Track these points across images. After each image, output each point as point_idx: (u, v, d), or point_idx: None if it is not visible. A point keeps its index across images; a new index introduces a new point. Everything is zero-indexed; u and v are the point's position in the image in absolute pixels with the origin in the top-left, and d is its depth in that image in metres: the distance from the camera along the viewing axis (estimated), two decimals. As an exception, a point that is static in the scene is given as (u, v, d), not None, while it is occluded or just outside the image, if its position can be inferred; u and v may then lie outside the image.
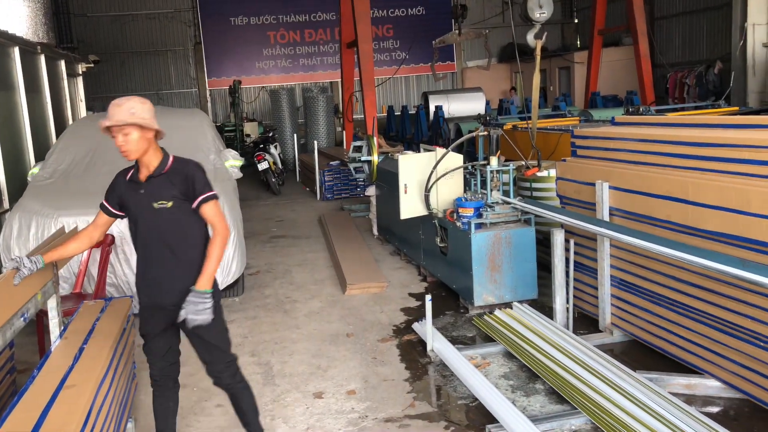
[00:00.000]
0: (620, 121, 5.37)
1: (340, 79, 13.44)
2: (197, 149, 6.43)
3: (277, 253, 7.70)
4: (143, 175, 3.04)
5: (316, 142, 12.12)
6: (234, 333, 5.13)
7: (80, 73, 10.71)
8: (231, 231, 2.92)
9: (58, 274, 4.97)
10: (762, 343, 3.40)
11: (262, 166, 11.73)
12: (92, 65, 11.51)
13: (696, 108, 10.25)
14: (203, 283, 2.98)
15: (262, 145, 12.67)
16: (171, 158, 3.08)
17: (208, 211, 3.03)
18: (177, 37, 20.66)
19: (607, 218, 4.48)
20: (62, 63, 9.52)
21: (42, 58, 8.28)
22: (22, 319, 2.81)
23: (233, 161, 6.55)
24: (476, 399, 3.89)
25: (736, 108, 9.70)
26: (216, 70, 20.82)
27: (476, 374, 4.07)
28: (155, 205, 2.97)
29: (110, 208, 3.14)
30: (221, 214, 3.07)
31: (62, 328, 3.40)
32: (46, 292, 3.18)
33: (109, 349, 3.18)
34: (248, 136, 15.44)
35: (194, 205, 3.00)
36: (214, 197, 3.04)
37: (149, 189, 3.01)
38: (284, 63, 21.21)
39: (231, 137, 16.25)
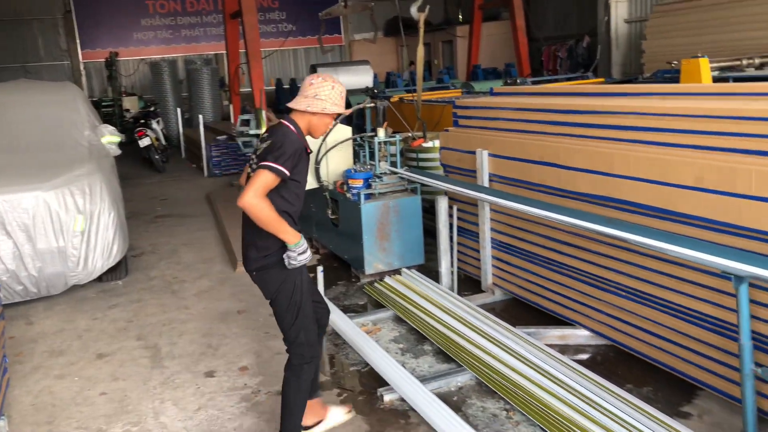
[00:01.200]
0: (498, 91, 5.60)
1: (225, 51, 12.99)
2: (70, 125, 6.05)
3: (162, 233, 7.43)
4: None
5: (201, 116, 11.69)
6: (118, 317, 4.96)
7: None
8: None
9: None
10: (624, 293, 3.72)
11: (144, 142, 11.19)
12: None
13: (567, 79, 10.86)
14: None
15: (143, 121, 12.06)
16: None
17: None
18: (43, 4, 19.04)
19: (487, 184, 4.69)
20: None
21: None
22: None
23: (110, 137, 6.21)
24: (368, 364, 3.99)
25: (602, 79, 10.38)
26: (90, 41, 19.44)
27: (367, 340, 4.17)
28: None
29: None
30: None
31: None
32: None
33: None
34: (128, 111, 14.63)
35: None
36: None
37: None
38: (165, 34, 20.17)
39: (109, 113, 15.35)
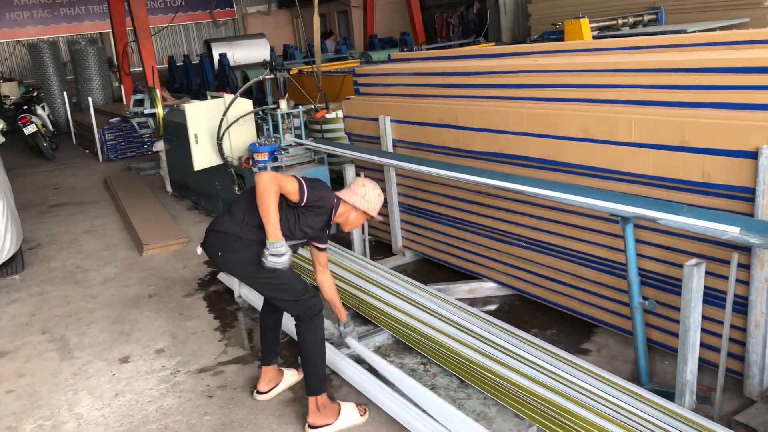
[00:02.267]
0: (396, 57, 5.68)
1: (111, 30, 12.32)
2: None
3: (59, 222, 7.06)
4: None
5: (90, 99, 11.06)
6: (18, 313, 4.73)
7: None
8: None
9: None
10: (525, 245, 3.95)
11: (29, 129, 10.48)
12: None
13: (459, 45, 11.13)
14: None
15: (26, 107, 11.26)
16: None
17: None
18: None
19: (391, 150, 4.79)
20: None
21: None
22: None
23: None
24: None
25: (493, 43, 10.72)
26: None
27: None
28: None
29: None
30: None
31: None
32: None
33: None
34: (7, 97, 13.59)
35: None
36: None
37: None
38: (42, 13, 18.77)
39: (-16, 100, 14.20)
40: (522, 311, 4.06)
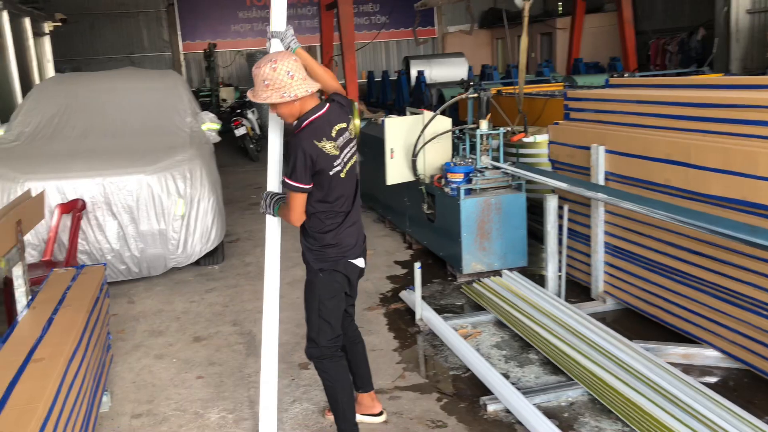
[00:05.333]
0: (615, 83, 5.20)
1: (319, 43, 13.04)
2: (173, 111, 6.13)
3: (257, 220, 7.45)
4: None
5: (294, 107, 11.75)
6: (214, 302, 4.96)
7: (47, 32, 10.15)
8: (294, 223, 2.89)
9: (25, 240, 4.72)
10: (764, 311, 3.30)
11: (240, 131, 11.38)
12: (59, 24, 10.91)
13: (678, 74, 10.12)
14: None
15: (239, 111, 12.28)
16: (306, 121, 2.75)
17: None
18: (148, -2, 19.91)
19: (602, 182, 4.33)
20: (27, 21, 9.00)
21: (4, 14, 7.80)
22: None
23: (210, 124, 6.26)
24: (467, 369, 3.76)
25: (721, 74, 9.59)
26: (190, 33, 20.13)
27: (467, 345, 3.93)
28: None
29: None
30: (291, 204, 2.79)
31: (30, 297, 3.16)
32: (10, 259, 2.93)
33: (81, 319, 2.97)
34: (224, 101, 14.97)
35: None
36: (288, 186, 2.74)
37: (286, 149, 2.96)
38: (261, 26, 20.56)
39: (206, 102, 15.79)
40: (752, 391, 3.40)
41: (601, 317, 4.35)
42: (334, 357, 3.02)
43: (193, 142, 5.70)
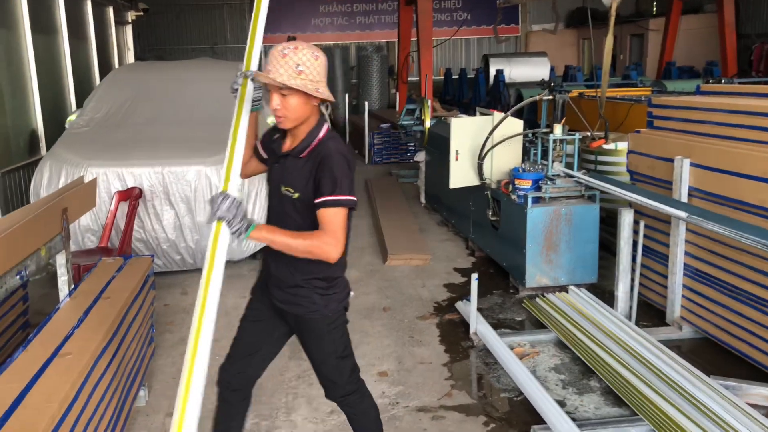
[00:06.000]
0: (707, 89, 4.74)
1: (396, 39, 12.88)
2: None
3: (319, 215, 7.35)
4: (286, 145, 2.34)
5: (367, 103, 11.65)
6: (265, 299, 4.86)
7: (129, 21, 10.48)
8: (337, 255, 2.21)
9: (85, 225, 4.77)
10: None
11: (310, 125, 11.33)
12: (142, 13, 11.26)
13: (784, 83, 9.30)
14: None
15: (311, 105, 12.26)
16: (322, 133, 2.28)
17: (325, 217, 2.18)
18: (233, -10, 20.32)
19: (685, 199, 3.93)
20: (110, 9, 9.29)
21: (88, 3, 8.04)
22: (18, 277, 2.52)
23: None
24: (520, 392, 3.48)
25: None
26: (270, 25, 20.21)
27: (521, 366, 3.64)
28: (282, 188, 2.30)
29: (260, 150, 2.51)
30: (341, 228, 2.18)
31: (73, 286, 3.13)
32: (52, 247, 2.90)
33: (117, 313, 2.89)
34: (300, 94, 15.06)
35: (315, 202, 2.20)
36: (341, 204, 2.17)
37: (284, 165, 2.32)
38: (341, 21, 20.61)
39: (283, 95, 15.94)
40: None
41: (676, 346, 3.95)
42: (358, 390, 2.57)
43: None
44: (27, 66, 6.28)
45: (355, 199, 2.24)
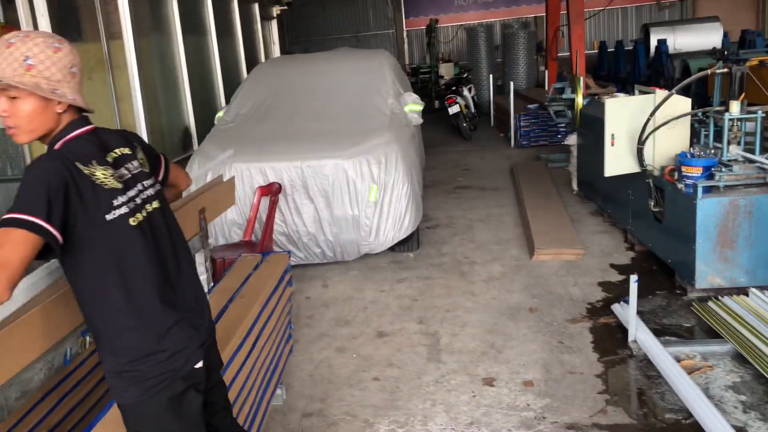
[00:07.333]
0: None
1: (544, 14, 12.15)
2: (375, 93, 6.00)
3: (460, 205, 7.10)
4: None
5: (512, 83, 11.11)
6: (403, 294, 4.73)
7: (274, 16, 10.81)
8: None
9: (230, 219, 4.90)
10: None
11: (453, 110, 11.05)
12: (286, 7, 11.57)
13: None
14: None
15: (454, 88, 11.97)
16: (67, 137, 1.78)
17: None
18: (376, -22, 20.45)
19: None
20: (255, 6, 9.61)
21: (235, 2, 8.35)
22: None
23: (413, 105, 6.00)
24: (689, 414, 3.02)
25: None
26: (413, 9, 20.29)
27: (691, 383, 3.15)
28: None
29: None
30: (6, 256, 1.53)
31: (213, 283, 3.17)
32: (191, 247, 2.92)
33: (252, 314, 2.87)
34: (442, 77, 14.80)
35: None
36: (5, 223, 1.57)
37: None
38: (483, -1, 20.02)
39: (426, 79, 15.78)
40: None
41: None
42: None
43: (392, 126, 5.49)
44: (179, 67, 6.64)
45: (25, 217, 1.56)
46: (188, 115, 6.83)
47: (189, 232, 2.94)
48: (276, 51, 10.77)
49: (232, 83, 6.96)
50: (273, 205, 4.64)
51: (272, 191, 4.64)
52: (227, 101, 7.10)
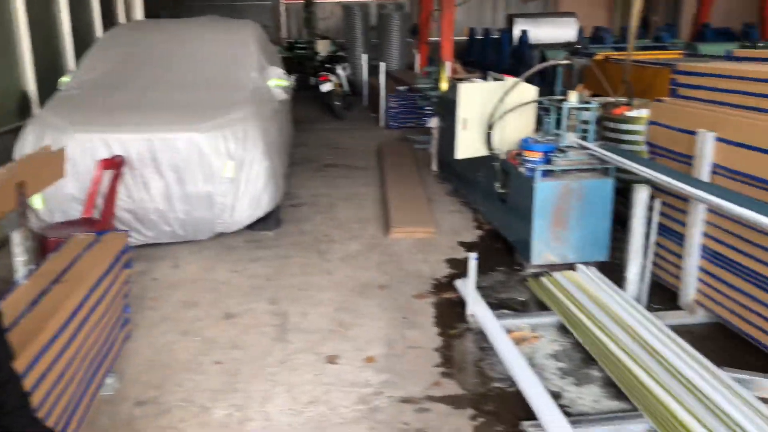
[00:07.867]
0: (740, 55, 4.31)
1: (419, -4, 12.36)
2: (238, 66, 5.80)
3: (326, 183, 7.11)
4: None
5: (384, 64, 11.21)
6: (256, 273, 4.67)
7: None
8: None
9: (71, 195, 4.44)
10: None
11: (325, 87, 10.98)
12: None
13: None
14: None
15: (328, 65, 11.88)
16: None
17: None
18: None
19: (706, 177, 3.58)
20: (119, -40, 8.83)
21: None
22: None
23: (277, 81, 5.89)
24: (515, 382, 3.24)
25: None
26: (292, -17, 19.86)
27: (516, 354, 3.39)
28: None
29: None
30: None
31: (33, 265, 2.95)
32: (6, 225, 2.70)
33: (78, 295, 2.71)
34: (318, 54, 14.65)
35: None
36: None
37: None
38: (363, -23, 19.95)
39: (302, 55, 15.53)
40: None
41: (687, 331, 3.66)
42: None
43: (254, 100, 5.36)
44: (14, 20, 5.96)
45: None
46: (27, 77, 6.21)
47: (3, 209, 2.72)
48: (139, 12, 10.05)
49: (85, 46, 6.37)
50: (115, 180, 4.39)
51: (115, 164, 4.38)
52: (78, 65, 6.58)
